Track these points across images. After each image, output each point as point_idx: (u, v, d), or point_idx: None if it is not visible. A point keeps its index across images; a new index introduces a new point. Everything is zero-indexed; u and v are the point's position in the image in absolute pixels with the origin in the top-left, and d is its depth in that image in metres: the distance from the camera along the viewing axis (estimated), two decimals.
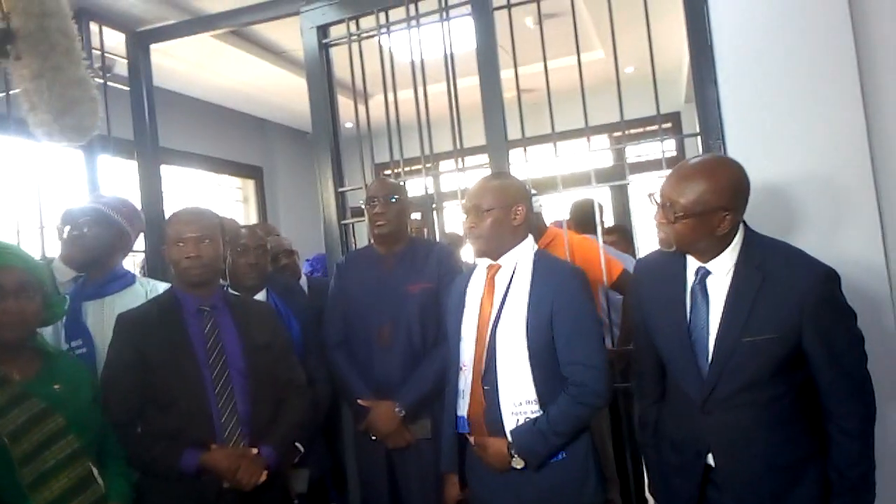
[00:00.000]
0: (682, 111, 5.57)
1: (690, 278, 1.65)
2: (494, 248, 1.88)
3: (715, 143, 2.21)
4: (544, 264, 1.88)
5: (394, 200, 2.33)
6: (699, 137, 2.29)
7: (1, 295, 1.62)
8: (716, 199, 1.52)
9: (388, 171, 2.83)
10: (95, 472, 1.64)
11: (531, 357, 1.77)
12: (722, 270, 1.60)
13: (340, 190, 2.83)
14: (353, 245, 2.87)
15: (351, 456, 2.60)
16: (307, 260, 3.82)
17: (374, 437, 2.24)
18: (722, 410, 1.58)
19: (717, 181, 1.54)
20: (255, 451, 1.84)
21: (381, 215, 2.32)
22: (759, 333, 1.52)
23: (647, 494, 1.93)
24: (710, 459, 1.61)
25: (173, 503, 1.82)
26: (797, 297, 1.50)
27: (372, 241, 2.46)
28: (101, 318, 2.09)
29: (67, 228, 2.17)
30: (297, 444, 2.06)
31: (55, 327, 2.05)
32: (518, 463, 1.77)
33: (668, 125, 5.51)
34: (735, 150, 2.16)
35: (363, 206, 2.42)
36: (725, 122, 2.20)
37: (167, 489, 1.82)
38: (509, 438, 1.78)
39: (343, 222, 2.82)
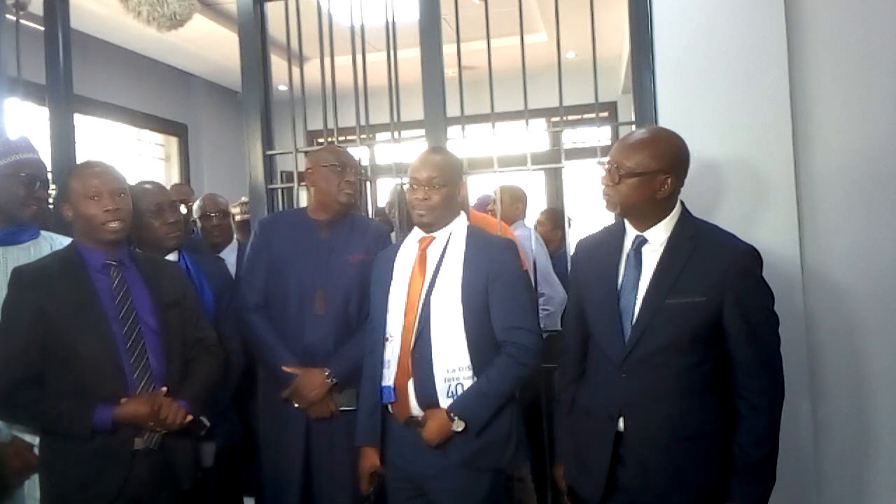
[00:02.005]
0: (619, 101, 5.67)
1: (627, 247, 1.72)
2: (440, 220, 1.94)
3: None
4: (477, 237, 1.95)
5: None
6: (633, 126, 2.33)
7: None
8: (657, 163, 1.63)
9: (321, 140, 2.74)
10: None
11: (466, 324, 1.84)
12: (657, 240, 1.68)
13: (269, 153, 2.73)
14: (278, 210, 2.78)
15: (264, 427, 2.53)
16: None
17: (297, 405, 2.17)
18: (639, 371, 1.64)
19: (660, 147, 1.66)
20: (164, 389, 1.78)
21: (351, 184, 2.25)
22: (684, 296, 1.60)
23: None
24: (621, 425, 1.66)
25: (82, 466, 1.74)
26: (722, 267, 1.60)
27: (306, 207, 2.36)
28: (4, 268, 1.92)
29: None
30: (202, 418, 1.98)
31: None
32: (459, 426, 1.80)
33: (606, 114, 5.60)
34: None
35: (314, 171, 2.30)
36: (660, 111, 2.25)
37: (75, 450, 1.73)
38: (442, 405, 1.82)
39: (270, 187, 2.73)
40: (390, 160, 2.71)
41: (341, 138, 2.74)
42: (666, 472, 1.62)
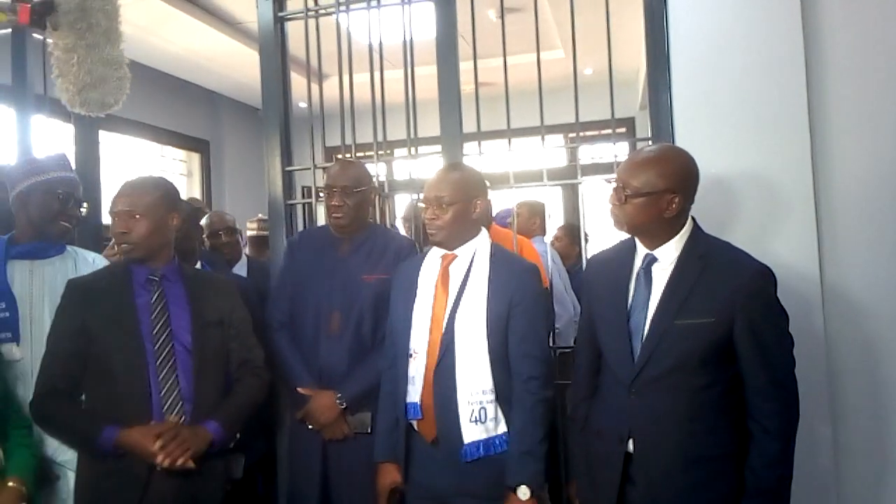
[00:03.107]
0: (636, 117, 5.66)
1: (637, 265, 1.71)
2: (453, 239, 1.92)
3: None
4: (501, 259, 1.93)
5: (356, 191, 2.22)
6: (650, 142, 2.32)
7: None
8: (664, 182, 1.61)
9: (339, 156, 2.76)
10: None
11: (490, 346, 1.82)
12: (667, 258, 1.66)
13: (288, 169, 2.76)
14: (297, 226, 2.80)
15: (284, 444, 2.54)
16: None
17: (310, 427, 2.17)
18: (648, 392, 1.61)
19: (667, 166, 1.63)
20: (182, 426, 1.74)
21: (338, 207, 2.21)
22: (693, 317, 1.58)
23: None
24: (631, 446, 1.64)
25: (103, 481, 1.75)
26: (733, 287, 1.57)
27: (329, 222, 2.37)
28: (30, 282, 1.97)
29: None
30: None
31: None
32: (525, 493, 1.76)
33: (623, 130, 5.59)
34: None
35: (321, 191, 2.31)
36: (676, 127, 2.23)
37: (98, 465, 1.75)
38: (464, 427, 1.79)
39: (289, 202, 2.75)
40: (407, 175, 2.73)
41: (359, 154, 2.76)
42: (675, 495, 1.60)
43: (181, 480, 1.78)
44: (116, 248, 1.87)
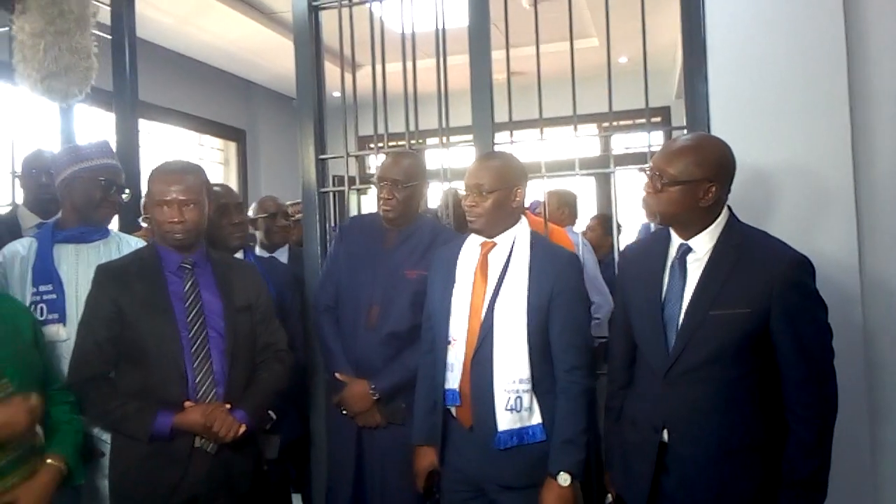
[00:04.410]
0: (672, 106, 5.58)
1: (672, 256, 1.69)
2: (493, 227, 1.90)
3: None
4: (542, 247, 1.91)
5: (406, 186, 2.21)
6: (686, 131, 2.29)
7: None
8: (701, 171, 1.59)
9: (371, 145, 2.78)
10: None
11: (529, 336, 1.81)
12: (702, 248, 1.64)
13: (321, 157, 2.79)
14: (331, 213, 2.84)
15: (319, 426, 2.59)
16: None
17: (344, 412, 2.21)
18: (683, 383, 1.60)
19: (705, 154, 1.61)
20: (227, 406, 1.81)
21: (387, 200, 2.21)
22: (728, 307, 1.56)
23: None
24: (665, 436, 1.63)
25: (145, 462, 1.79)
26: (769, 276, 1.55)
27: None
28: (76, 265, 2.03)
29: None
30: (269, 411, 2.02)
31: (22, 268, 1.99)
32: (566, 479, 1.76)
33: (658, 119, 5.51)
34: None
35: (371, 182, 2.29)
36: (713, 116, 2.20)
37: (137, 445, 1.79)
38: (499, 415, 1.79)
39: (322, 190, 2.78)
40: (439, 164, 2.73)
41: (391, 143, 2.78)
42: (710, 486, 1.59)
43: (218, 460, 1.83)
44: (163, 236, 1.87)
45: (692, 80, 2.26)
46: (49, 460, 1.60)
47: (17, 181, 2.73)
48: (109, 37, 3.12)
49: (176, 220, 1.83)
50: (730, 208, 1.67)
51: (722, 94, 2.19)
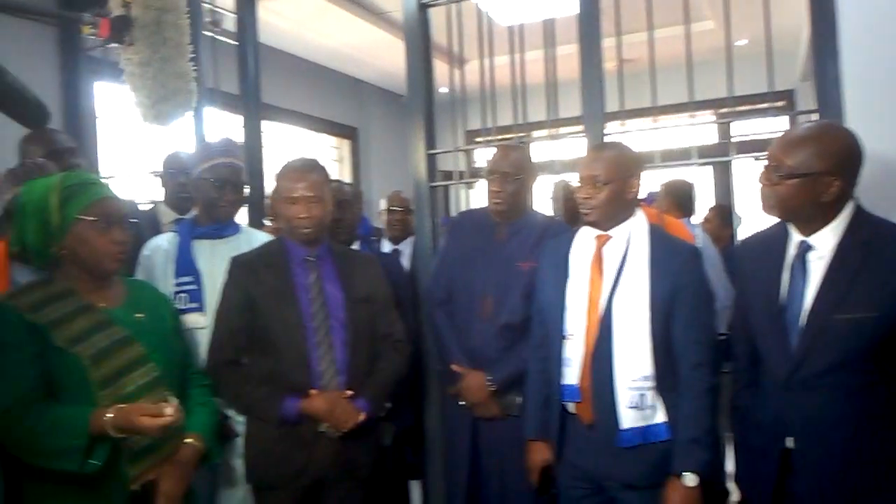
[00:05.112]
0: (796, 90, 5.23)
1: (791, 253, 1.58)
2: (608, 219, 1.84)
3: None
4: (661, 240, 1.85)
5: (516, 178, 2.21)
6: (815, 115, 2.15)
7: (109, 224, 1.63)
8: (823, 163, 1.47)
9: (479, 139, 2.81)
10: (174, 401, 1.61)
11: (652, 331, 1.76)
12: (825, 246, 1.53)
13: (430, 152, 2.84)
14: (442, 208, 2.88)
15: (433, 416, 2.65)
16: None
17: (462, 403, 2.24)
18: (806, 391, 1.51)
19: (827, 145, 1.49)
20: (349, 393, 1.90)
21: (497, 193, 2.23)
22: (855, 311, 1.45)
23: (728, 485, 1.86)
24: (790, 443, 1.55)
25: (276, 444, 1.90)
26: None
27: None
28: (211, 259, 2.18)
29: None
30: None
31: (165, 261, 2.17)
32: (693, 480, 1.71)
33: (781, 103, 5.18)
34: (855, 129, 2.01)
35: (482, 176, 2.30)
36: (846, 99, 2.04)
37: (267, 429, 1.90)
38: (622, 413, 1.74)
39: (432, 185, 2.83)
40: (548, 157, 2.71)
41: (499, 136, 2.79)
42: (843, 495, 1.49)
43: (341, 445, 1.92)
44: (292, 231, 1.97)
45: (822, 59, 2.11)
46: (189, 440, 1.69)
47: (157, 180, 2.97)
48: (235, 43, 3.33)
49: (304, 215, 1.93)
50: (857, 200, 1.54)
51: (856, 75, 2.03)
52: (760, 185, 1.58)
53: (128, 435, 1.52)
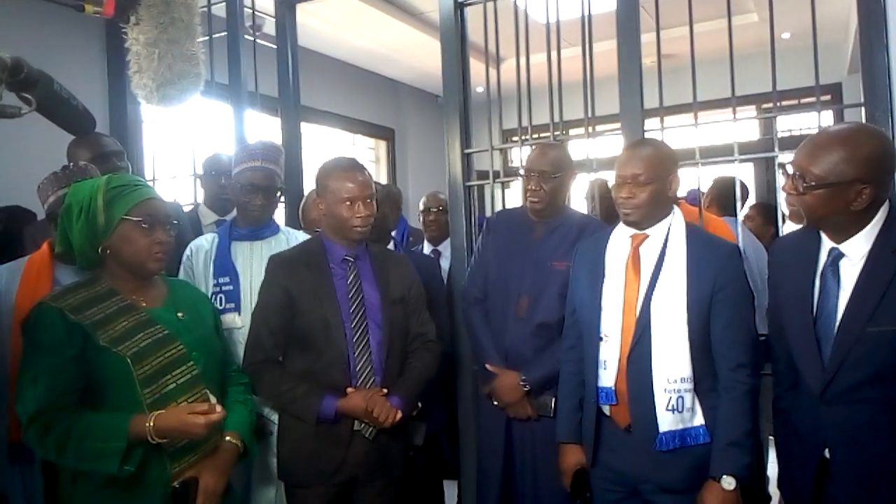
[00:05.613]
0: (843, 83, 5.08)
1: (823, 260, 1.52)
2: (649, 219, 1.81)
3: (881, 116, 2.00)
4: (699, 239, 1.81)
5: (554, 177, 2.20)
6: (862, 109, 2.08)
7: (153, 225, 1.66)
8: (852, 170, 1.38)
9: (515, 138, 2.79)
10: (213, 399, 1.66)
11: (690, 332, 1.72)
12: (857, 253, 1.46)
13: (466, 152, 2.84)
14: (477, 207, 2.88)
15: (467, 415, 2.65)
16: None
17: (495, 403, 2.23)
18: (842, 403, 1.46)
19: (856, 150, 1.39)
20: (385, 390, 1.91)
21: (534, 192, 2.22)
22: (889, 323, 1.39)
23: (770, 489, 1.82)
24: (827, 453, 1.51)
25: (310, 442, 1.92)
26: None
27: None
28: (250, 260, 2.22)
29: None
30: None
31: (206, 262, 2.21)
32: (731, 483, 1.68)
33: (828, 97, 5.04)
34: None
35: (519, 174, 2.30)
36: (895, 92, 1.97)
37: (302, 427, 1.92)
38: (660, 416, 1.71)
39: (468, 184, 2.83)
40: (584, 155, 2.69)
41: (535, 135, 2.77)
42: None
43: (375, 443, 1.93)
44: (345, 231, 1.97)
45: (870, 52, 2.06)
46: (228, 437, 1.73)
47: (198, 182, 3.04)
48: (274, 46, 3.38)
49: (362, 214, 1.93)
50: (891, 202, 1.45)
51: None
52: (784, 194, 1.50)
53: (170, 438, 1.55)
